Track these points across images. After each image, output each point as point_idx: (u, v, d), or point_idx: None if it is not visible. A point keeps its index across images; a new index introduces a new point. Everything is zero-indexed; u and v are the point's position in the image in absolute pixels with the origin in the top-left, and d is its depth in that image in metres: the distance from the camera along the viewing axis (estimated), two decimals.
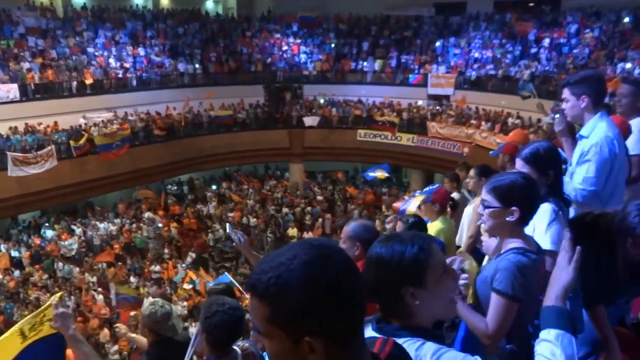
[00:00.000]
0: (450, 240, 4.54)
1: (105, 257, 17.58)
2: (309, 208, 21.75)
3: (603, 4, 22.73)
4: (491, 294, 2.22)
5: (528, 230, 2.50)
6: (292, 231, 19.96)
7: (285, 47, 26.47)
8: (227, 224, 3.98)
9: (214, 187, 23.71)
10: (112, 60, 22.13)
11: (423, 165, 22.76)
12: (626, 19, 21.49)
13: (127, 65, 22.34)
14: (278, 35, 27.09)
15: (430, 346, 1.43)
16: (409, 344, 1.43)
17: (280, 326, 1.05)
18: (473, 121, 21.29)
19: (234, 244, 3.79)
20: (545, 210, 2.50)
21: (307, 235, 19.93)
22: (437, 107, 23.07)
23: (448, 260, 2.50)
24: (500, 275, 2.18)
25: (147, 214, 20.12)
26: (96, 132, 19.24)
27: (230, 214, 21.00)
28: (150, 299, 3.97)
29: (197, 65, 24.11)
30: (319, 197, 22.69)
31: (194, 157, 22.23)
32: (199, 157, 22.37)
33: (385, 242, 1.55)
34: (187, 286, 16.45)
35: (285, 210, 21.67)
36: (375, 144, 23.13)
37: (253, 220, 20.60)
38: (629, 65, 18.41)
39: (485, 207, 2.26)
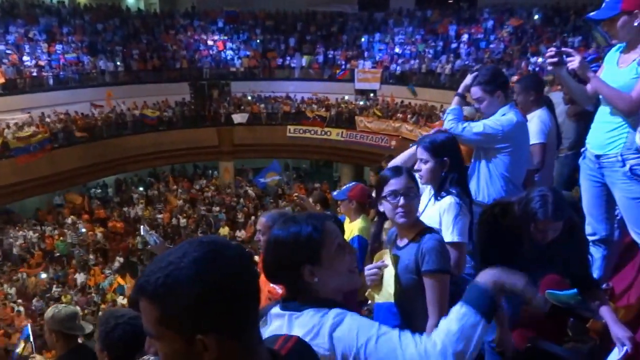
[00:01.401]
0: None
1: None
2: (239, 204, 21.58)
3: (515, 1, 23.90)
4: (424, 280, 2.25)
5: (432, 222, 2.58)
6: (224, 230, 19.70)
7: (210, 44, 26.04)
8: (141, 227, 3.87)
9: (140, 188, 23.00)
10: (26, 58, 20.94)
11: (353, 160, 23.10)
12: (536, 16, 22.77)
13: (42, 63, 21.20)
14: (203, 32, 26.61)
15: (333, 311, 1.47)
16: (313, 314, 1.49)
17: (171, 326, 1.02)
18: (399, 115, 21.82)
19: (149, 247, 3.70)
20: (449, 204, 2.59)
21: (240, 233, 19.75)
22: (366, 102, 23.46)
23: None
24: (429, 256, 2.23)
25: (69, 219, 19.25)
26: (10, 135, 18.16)
27: (159, 215, 20.48)
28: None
29: (118, 63, 23.26)
30: (250, 193, 22.55)
31: (119, 158, 21.43)
32: (124, 158, 21.58)
33: (282, 225, 1.61)
34: (122, 301, 15.77)
35: (216, 209, 21.36)
36: (305, 139, 23.22)
37: (183, 221, 20.18)
38: (540, 60, 19.44)
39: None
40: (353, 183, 4.57)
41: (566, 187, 4.89)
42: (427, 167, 2.70)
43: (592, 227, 3.26)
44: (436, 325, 2.20)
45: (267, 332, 1.55)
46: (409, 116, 21.41)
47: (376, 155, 19.31)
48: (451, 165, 2.68)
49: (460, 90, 3.60)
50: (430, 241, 2.26)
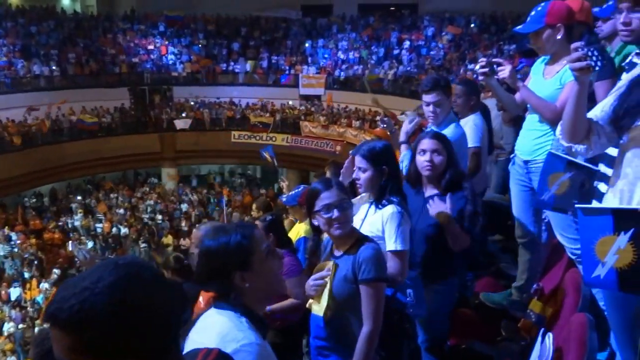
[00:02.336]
0: None
1: None
2: (179, 211, 21.18)
3: (454, 9, 24.65)
4: (361, 288, 2.28)
5: (374, 230, 2.61)
6: (167, 239, 19.25)
7: (151, 48, 25.49)
8: (70, 242, 3.74)
9: (79, 197, 22.18)
10: None
11: (298, 165, 23.10)
12: (472, 25, 23.58)
13: None
14: (143, 36, 26.01)
15: (248, 335, 1.57)
16: (230, 318, 1.61)
17: (89, 354, 0.98)
18: (344, 120, 22.02)
19: (78, 261, 3.59)
20: (392, 213, 2.62)
21: (184, 242, 19.35)
22: (311, 108, 23.54)
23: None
24: (366, 266, 2.26)
25: (1, 231, 18.33)
26: None
27: (99, 225, 19.79)
28: None
29: (54, 67, 22.39)
30: (193, 198, 22.17)
31: (55, 166, 20.60)
32: (60, 166, 20.77)
33: (212, 235, 1.72)
34: None
35: (159, 217, 20.86)
36: (250, 145, 23.02)
37: (124, 230, 19.58)
38: (477, 67, 20.10)
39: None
40: (301, 187, 4.59)
41: (505, 190, 5.06)
42: (366, 175, 2.70)
43: (521, 230, 3.39)
44: (370, 332, 2.23)
45: (192, 332, 1.65)
46: (353, 121, 21.64)
47: (321, 161, 19.41)
48: (389, 173, 2.71)
49: (402, 138, 3.80)
50: (366, 250, 2.30)
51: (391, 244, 2.58)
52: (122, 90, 23.45)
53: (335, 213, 2.31)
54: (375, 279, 2.27)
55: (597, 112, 2.03)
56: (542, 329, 2.87)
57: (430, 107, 3.56)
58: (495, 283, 4.04)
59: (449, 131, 3.47)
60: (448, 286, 3.09)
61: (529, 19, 3.01)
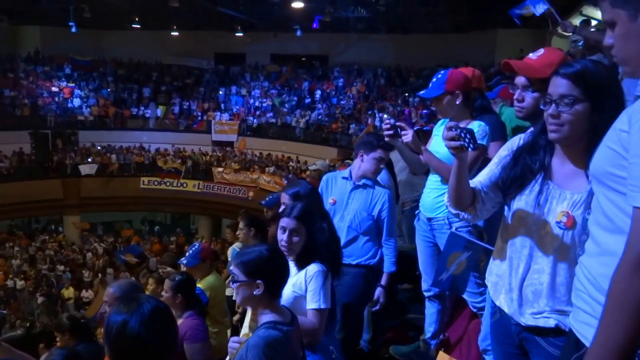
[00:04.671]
0: (222, 295, 4.63)
1: None
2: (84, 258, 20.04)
3: (362, 61, 25.90)
4: None
5: (294, 289, 2.63)
6: (68, 292, 18.06)
7: (56, 90, 24.49)
8: None
9: None
10: None
11: (210, 211, 22.79)
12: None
13: None
14: (47, 78, 24.98)
15: None
16: None
17: None
18: (257, 166, 22.14)
19: None
20: (316, 272, 2.67)
21: (87, 294, 18.26)
22: (223, 154, 23.48)
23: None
24: (250, 354, 2.11)
25: None
26: None
27: None
28: None
29: None
30: (99, 247, 21.08)
31: None
32: None
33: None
34: None
35: (60, 268, 19.59)
36: (160, 191, 22.50)
37: (20, 283, 18.20)
38: (386, 115, 21.11)
39: (234, 281, 2.29)
40: (196, 245, 4.55)
41: (413, 239, 5.29)
42: (295, 240, 2.72)
43: (427, 284, 3.52)
44: None
45: None
46: (267, 167, 21.81)
47: (234, 207, 19.25)
48: (309, 235, 2.76)
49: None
50: (256, 337, 2.19)
51: (314, 302, 2.61)
52: (22, 133, 22.26)
53: (231, 283, 2.36)
54: None
55: (482, 179, 2.11)
56: None
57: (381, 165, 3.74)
58: (404, 334, 4.20)
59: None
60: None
61: (430, 85, 3.24)
